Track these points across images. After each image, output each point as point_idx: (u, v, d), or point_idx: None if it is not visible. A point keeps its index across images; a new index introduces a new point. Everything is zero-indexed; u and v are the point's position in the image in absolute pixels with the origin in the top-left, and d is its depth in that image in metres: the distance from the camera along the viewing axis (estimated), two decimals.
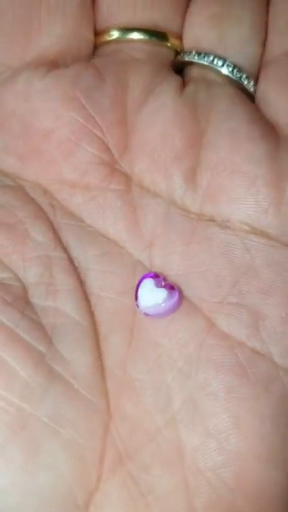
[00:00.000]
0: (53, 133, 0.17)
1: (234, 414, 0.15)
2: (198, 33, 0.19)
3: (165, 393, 0.15)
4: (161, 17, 0.19)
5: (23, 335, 0.15)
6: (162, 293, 0.15)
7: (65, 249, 0.17)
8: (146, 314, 0.16)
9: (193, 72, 0.19)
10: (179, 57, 0.20)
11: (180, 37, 0.20)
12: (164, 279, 0.16)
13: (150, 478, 0.15)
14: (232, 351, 0.15)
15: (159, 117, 0.18)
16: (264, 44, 0.19)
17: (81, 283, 0.16)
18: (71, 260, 0.17)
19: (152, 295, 0.15)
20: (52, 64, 0.18)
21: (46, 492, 0.14)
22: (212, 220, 0.17)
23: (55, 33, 0.18)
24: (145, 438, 0.15)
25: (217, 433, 0.15)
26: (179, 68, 0.20)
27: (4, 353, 0.14)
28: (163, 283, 0.16)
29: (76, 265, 0.17)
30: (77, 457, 0.14)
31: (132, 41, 0.19)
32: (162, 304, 0.15)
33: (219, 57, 0.19)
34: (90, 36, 0.19)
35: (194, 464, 0.15)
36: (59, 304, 0.16)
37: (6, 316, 0.15)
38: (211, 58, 0.19)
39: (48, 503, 0.14)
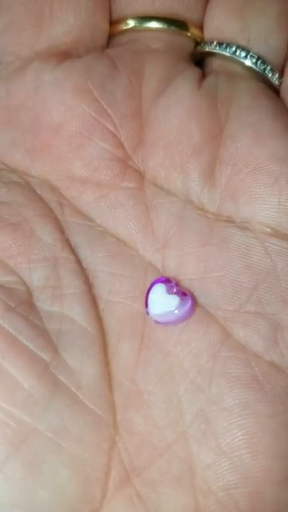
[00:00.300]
0: (63, 127, 0.17)
1: (248, 431, 0.14)
2: (221, 23, 0.18)
3: (176, 407, 0.14)
4: (181, 5, 0.18)
5: (27, 343, 0.14)
6: (174, 300, 0.14)
7: (72, 250, 0.16)
8: (157, 322, 0.15)
9: (214, 63, 0.19)
10: (199, 48, 0.19)
11: (200, 27, 0.19)
12: (177, 284, 0.15)
13: (158, 496, 0.14)
14: (248, 364, 0.14)
15: (175, 110, 0.17)
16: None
17: (89, 286, 0.16)
18: (79, 262, 0.16)
19: (163, 302, 0.15)
20: (64, 55, 0.18)
21: (47, 510, 0.13)
22: (230, 221, 0.16)
23: (68, 22, 0.18)
24: (154, 454, 0.14)
25: (230, 451, 0.14)
26: (199, 60, 0.19)
27: (6, 362, 0.14)
28: (175, 289, 0.15)
29: (84, 267, 0.16)
30: (81, 473, 0.14)
31: (150, 30, 0.18)
32: (175, 312, 0.15)
33: (242, 48, 0.18)
34: (104, 25, 0.18)
35: (205, 483, 0.14)
36: (65, 309, 0.15)
37: (9, 323, 0.14)
38: (233, 49, 0.18)
39: None
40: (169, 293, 0.15)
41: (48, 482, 0.13)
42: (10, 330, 0.14)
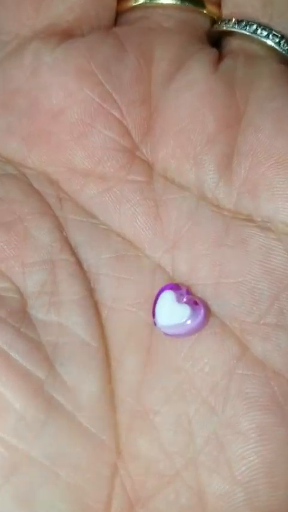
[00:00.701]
0: (63, 112, 0.16)
1: (266, 459, 0.13)
2: (240, 3, 0.17)
3: (186, 430, 0.13)
4: None
5: (18, 358, 0.13)
6: (184, 310, 0.13)
7: (73, 251, 0.15)
8: (166, 333, 0.13)
9: (232, 44, 0.18)
10: (216, 27, 0.18)
11: (218, 3, 0.18)
12: (187, 291, 0.14)
13: None
14: (267, 383, 0.13)
15: (188, 95, 0.16)
16: None
17: (90, 292, 0.15)
18: (79, 264, 0.15)
19: (172, 312, 0.13)
20: (66, 34, 0.17)
21: None
22: (249, 219, 0.15)
23: (78, 15, 0.17)
24: (160, 482, 0.13)
25: (245, 481, 0.13)
26: (216, 40, 0.18)
27: None
28: (185, 298, 0.14)
29: (85, 270, 0.15)
30: (80, 505, 0.13)
31: (161, 6, 0.18)
32: (186, 323, 0.13)
33: (264, 27, 0.17)
34: (111, 1, 0.17)
35: None
36: (63, 318, 0.14)
37: None
38: (254, 27, 0.17)
39: None
40: (179, 302, 0.13)
41: None
42: (0, 344, 0.13)
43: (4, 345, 0.13)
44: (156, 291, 0.14)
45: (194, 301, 0.14)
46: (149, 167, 0.16)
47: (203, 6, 0.18)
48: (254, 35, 0.17)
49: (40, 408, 0.13)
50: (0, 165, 0.16)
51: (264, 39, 0.17)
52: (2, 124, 0.16)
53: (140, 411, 0.14)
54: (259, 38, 0.17)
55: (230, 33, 0.18)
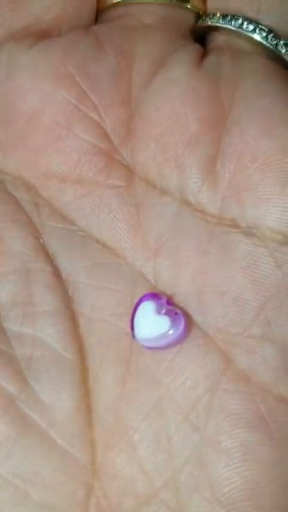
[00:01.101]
0: (39, 116, 0.15)
1: (250, 480, 0.13)
2: None
3: (166, 448, 0.13)
4: None
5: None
6: (164, 321, 0.13)
7: (49, 260, 0.15)
8: (145, 346, 0.13)
9: (218, 39, 0.17)
10: (201, 22, 0.17)
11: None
12: (168, 301, 0.13)
13: None
14: (252, 399, 0.13)
15: (170, 94, 0.15)
16: None
17: (67, 303, 0.14)
18: (56, 273, 0.14)
19: (151, 325, 0.13)
20: (43, 34, 0.16)
21: None
22: (234, 225, 0.14)
23: (59, 14, 0.16)
24: (138, 502, 0.13)
25: (227, 503, 0.13)
26: (200, 36, 0.17)
27: None
28: (165, 309, 0.13)
29: (63, 279, 0.14)
30: None
31: (144, 2, 0.17)
32: (167, 334, 0.13)
33: (250, 21, 0.16)
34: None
35: None
36: (38, 331, 0.14)
37: None
38: (240, 21, 0.17)
39: None
40: (158, 313, 0.13)
41: None
42: None
43: None
44: (133, 306, 0.14)
45: (175, 312, 0.13)
46: (129, 171, 0.15)
47: (186, 0, 0.17)
48: (240, 30, 0.17)
49: (11, 425, 0.13)
50: None
51: (251, 34, 0.17)
52: None
53: (118, 428, 0.13)
54: (245, 32, 0.17)
55: (215, 29, 0.17)
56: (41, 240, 0.15)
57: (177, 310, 0.13)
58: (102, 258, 0.15)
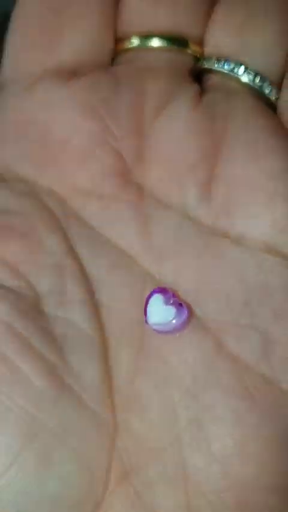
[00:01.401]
0: (69, 142, 0.18)
1: (239, 441, 0.15)
2: (220, 40, 0.19)
3: (172, 412, 0.15)
4: (183, 23, 0.19)
5: (37, 345, 0.15)
6: (170, 310, 0.15)
7: (77, 259, 0.17)
8: (155, 330, 0.15)
9: (213, 80, 0.19)
10: (199, 64, 0.19)
11: (201, 43, 0.19)
12: (173, 295, 0.16)
13: (154, 495, 0.15)
14: (240, 375, 0.15)
15: (174, 127, 0.18)
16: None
17: (92, 294, 0.16)
18: (82, 270, 0.16)
19: (160, 312, 0.15)
20: (71, 73, 0.18)
21: (56, 501, 0.14)
22: (225, 235, 0.16)
23: (77, 42, 0.19)
24: (150, 455, 0.15)
25: (221, 457, 0.15)
26: (198, 75, 0.19)
27: (20, 362, 0.15)
28: (172, 300, 0.15)
29: (88, 274, 0.17)
30: (86, 468, 0.15)
31: (152, 49, 0.19)
32: (173, 322, 0.15)
33: (240, 65, 0.18)
34: (111, 44, 0.19)
35: (197, 486, 0.15)
36: (70, 314, 0.16)
37: (21, 325, 0.15)
38: (232, 66, 0.18)
39: None
40: (166, 304, 0.15)
41: (57, 475, 0.14)
42: (22, 332, 0.15)
43: (26, 333, 0.15)
44: (146, 294, 0.16)
45: (179, 304, 0.15)
46: (140, 189, 0.17)
47: (187, 46, 0.19)
48: (231, 73, 0.18)
49: (54, 387, 0.15)
50: (17, 184, 0.18)
51: (240, 76, 0.18)
52: (17, 150, 0.18)
53: (134, 395, 0.15)
54: (235, 75, 0.18)
55: (211, 70, 0.19)
56: (70, 243, 0.17)
57: (181, 302, 0.15)
58: (118, 260, 0.17)
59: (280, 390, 0.15)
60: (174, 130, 0.17)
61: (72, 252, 0.17)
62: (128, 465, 0.15)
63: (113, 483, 0.15)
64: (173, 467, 0.15)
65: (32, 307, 0.15)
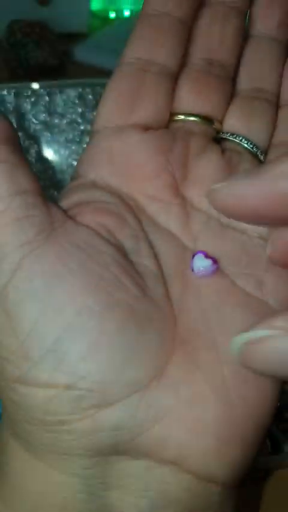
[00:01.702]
0: (143, 167, 0.26)
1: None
2: (233, 124, 0.29)
3: (205, 314, 0.23)
4: (211, 110, 0.30)
5: (131, 271, 0.23)
6: (209, 261, 0.25)
7: (145, 232, 0.25)
8: (196, 274, 0.25)
9: (228, 144, 0.28)
10: (220, 135, 0.29)
11: (221, 122, 0.29)
12: (206, 254, 0.25)
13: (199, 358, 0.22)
14: (250, 306, 0.24)
15: (207, 165, 0.28)
16: (272, 133, 0.30)
17: (154, 252, 0.24)
18: (148, 239, 0.24)
19: (204, 262, 0.25)
20: (144, 128, 0.26)
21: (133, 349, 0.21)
22: (235, 229, 0.26)
23: (148, 111, 0.27)
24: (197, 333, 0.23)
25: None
26: (218, 141, 0.29)
27: (123, 278, 0.22)
28: (207, 257, 0.25)
29: (151, 242, 0.24)
30: (161, 336, 0.22)
31: (191, 121, 0.28)
32: (210, 267, 0.25)
33: (245, 138, 0.28)
34: (167, 115, 0.28)
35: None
36: (143, 261, 0.24)
37: (121, 260, 0.23)
38: (240, 138, 0.28)
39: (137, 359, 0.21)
40: (206, 258, 0.25)
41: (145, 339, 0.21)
42: (122, 263, 0.23)
43: (124, 264, 0.23)
44: (186, 255, 0.24)
45: (213, 259, 0.25)
46: (183, 198, 0.26)
47: (213, 123, 0.28)
48: (240, 142, 0.28)
49: (140, 292, 0.22)
50: (108, 188, 0.25)
51: (245, 145, 0.28)
52: (108, 168, 0.26)
53: (182, 304, 0.23)
54: (242, 144, 0.28)
55: (226, 139, 0.28)
56: (141, 224, 0.25)
57: (212, 258, 0.25)
58: (168, 237, 0.25)
59: (267, 305, 0.24)
60: (207, 168, 0.27)
61: (142, 229, 0.24)
62: (184, 336, 0.22)
63: (177, 347, 0.22)
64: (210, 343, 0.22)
65: (122, 253, 0.23)
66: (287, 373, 0.16)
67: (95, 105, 0.47)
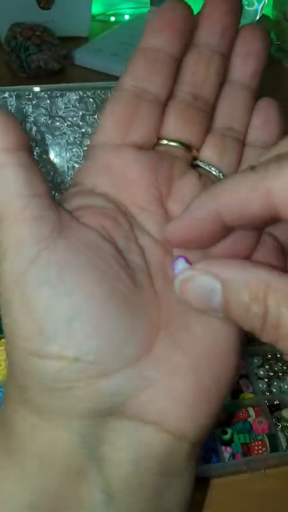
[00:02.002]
0: (137, 181, 0.30)
1: None
2: (209, 156, 0.33)
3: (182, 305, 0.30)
4: (191, 139, 0.34)
5: (123, 264, 0.28)
6: (188, 265, 0.30)
7: (134, 233, 0.28)
8: (175, 273, 0.30)
9: (201, 171, 0.33)
10: (196, 162, 0.33)
11: (198, 150, 0.32)
12: (185, 258, 0.31)
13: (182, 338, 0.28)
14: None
15: (186, 189, 0.33)
16: (239, 165, 0.34)
17: (142, 249, 0.28)
18: (136, 239, 0.28)
19: (183, 266, 0.30)
20: (138, 146, 0.30)
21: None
22: None
23: (142, 132, 0.30)
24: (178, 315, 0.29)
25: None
26: (194, 167, 0.35)
27: (117, 268, 0.27)
28: (187, 262, 0.31)
29: (138, 241, 0.28)
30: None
31: (173, 146, 0.32)
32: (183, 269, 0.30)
33: (217, 168, 0.33)
34: (155, 139, 0.31)
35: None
36: (133, 257, 0.28)
37: (120, 257, 0.28)
38: (212, 168, 0.33)
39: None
40: (187, 262, 0.31)
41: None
42: (118, 258, 0.28)
43: (121, 258, 0.29)
44: (167, 251, 0.30)
45: (188, 261, 0.30)
46: (166, 208, 0.30)
47: (191, 151, 0.32)
48: (211, 171, 0.32)
49: (131, 281, 0.28)
50: (105, 196, 0.29)
51: (214, 173, 0.32)
52: (104, 178, 0.29)
53: (163, 292, 0.28)
54: (212, 172, 0.32)
55: (200, 166, 0.32)
56: (132, 227, 0.28)
57: (190, 262, 0.31)
58: (155, 243, 0.29)
59: None
60: (187, 188, 0.32)
61: (132, 230, 0.28)
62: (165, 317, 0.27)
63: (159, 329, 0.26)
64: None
65: (117, 251, 0.28)
66: (208, 305, 0.23)
67: (96, 108, 0.49)
